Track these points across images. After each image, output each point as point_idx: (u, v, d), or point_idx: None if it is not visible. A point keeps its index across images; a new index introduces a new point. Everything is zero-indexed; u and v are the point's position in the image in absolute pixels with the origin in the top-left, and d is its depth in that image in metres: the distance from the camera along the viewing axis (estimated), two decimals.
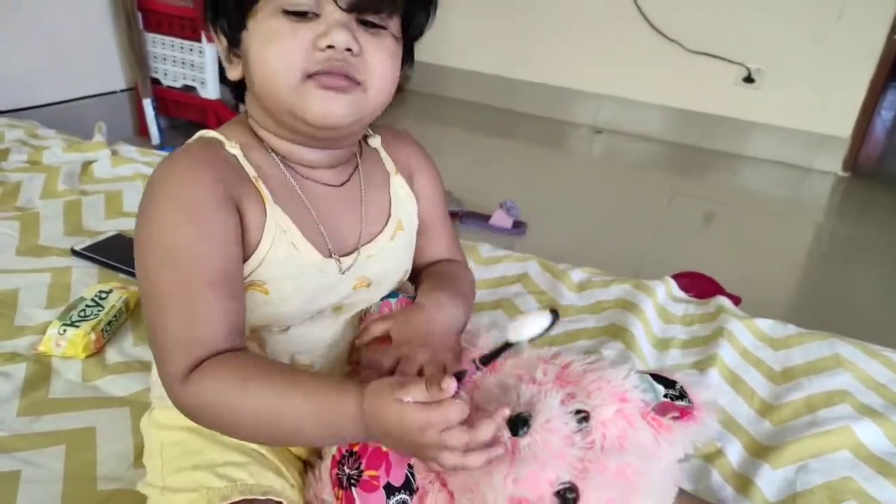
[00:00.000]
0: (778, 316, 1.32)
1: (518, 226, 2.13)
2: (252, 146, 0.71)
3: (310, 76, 0.63)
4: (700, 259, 1.86)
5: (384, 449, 0.66)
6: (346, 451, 0.67)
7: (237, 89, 0.73)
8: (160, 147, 2.44)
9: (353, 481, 0.65)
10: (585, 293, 1.36)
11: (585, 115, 3.36)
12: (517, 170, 2.77)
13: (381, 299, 0.80)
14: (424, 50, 0.76)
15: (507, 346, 0.58)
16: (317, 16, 0.63)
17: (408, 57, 0.73)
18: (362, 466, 0.65)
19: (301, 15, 0.63)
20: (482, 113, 3.34)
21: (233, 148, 0.69)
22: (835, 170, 3.02)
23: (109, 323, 1.09)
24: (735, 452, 0.98)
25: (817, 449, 0.98)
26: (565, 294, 1.35)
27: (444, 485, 0.65)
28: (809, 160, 3.04)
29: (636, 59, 3.16)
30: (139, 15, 2.47)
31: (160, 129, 2.60)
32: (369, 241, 0.76)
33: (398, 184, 0.81)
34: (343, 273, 0.73)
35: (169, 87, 2.58)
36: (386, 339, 0.75)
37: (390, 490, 0.64)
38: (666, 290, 1.38)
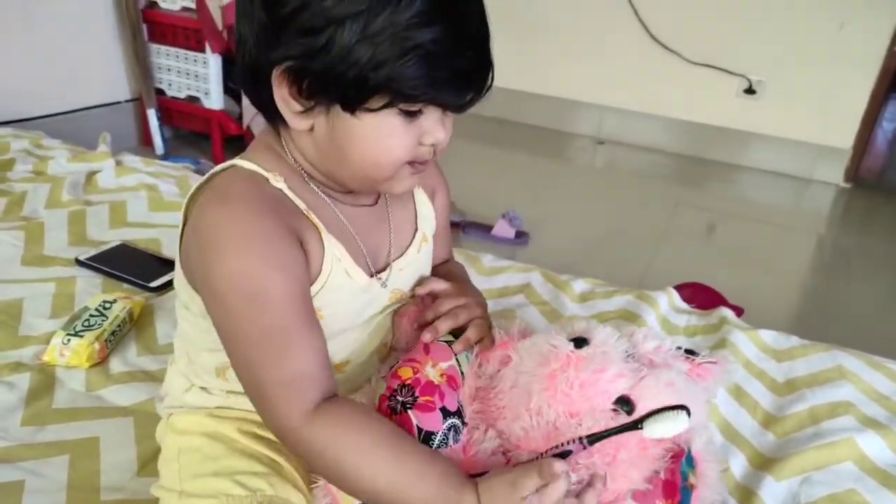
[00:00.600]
0: (780, 327, 1.32)
1: (520, 236, 2.13)
2: (290, 177, 0.70)
3: (408, 162, 0.67)
4: (702, 270, 1.86)
5: (436, 382, 0.69)
6: (398, 385, 0.70)
7: (275, 116, 0.68)
8: (164, 157, 2.46)
9: (408, 406, 0.67)
10: (588, 304, 1.36)
11: (587, 127, 3.37)
12: (519, 180, 2.78)
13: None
14: None
15: (622, 430, 0.61)
16: (420, 112, 0.64)
17: None
18: (417, 394, 0.68)
19: (413, 114, 0.64)
20: (484, 123, 3.35)
21: (277, 181, 0.68)
22: (836, 181, 3.02)
23: (113, 333, 1.09)
24: (738, 465, 0.98)
25: (821, 461, 0.97)
26: (568, 305, 1.35)
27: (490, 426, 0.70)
28: (811, 171, 3.04)
29: (638, 70, 3.17)
30: (144, 26, 2.49)
31: (164, 140, 2.61)
32: (400, 256, 0.79)
33: (420, 199, 0.84)
34: (384, 288, 0.76)
35: (173, 97, 2.59)
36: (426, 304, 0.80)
37: (446, 413, 0.67)
38: (668, 301, 1.38)
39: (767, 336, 1.28)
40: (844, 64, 2.83)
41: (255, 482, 0.70)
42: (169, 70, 2.55)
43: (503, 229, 2.12)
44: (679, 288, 1.46)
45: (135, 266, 1.31)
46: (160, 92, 2.60)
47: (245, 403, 0.69)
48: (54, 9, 2.23)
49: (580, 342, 0.67)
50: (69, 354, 1.04)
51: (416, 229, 0.82)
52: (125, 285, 1.27)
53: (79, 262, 1.31)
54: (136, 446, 0.91)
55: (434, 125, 0.65)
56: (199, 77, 2.49)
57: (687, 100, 3.14)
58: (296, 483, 0.73)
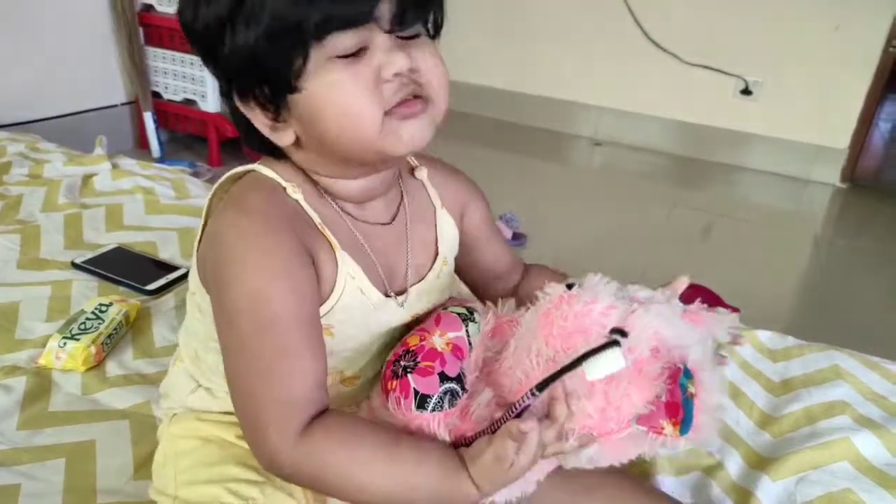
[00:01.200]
0: (777, 327, 1.32)
1: (518, 238, 2.13)
2: (307, 188, 0.69)
3: (387, 113, 0.61)
4: (699, 270, 1.84)
5: (439, 349, 0.70)
6: (404, 351, 0.70)
7: (275, 149, 0.68)
8: (161, 160, 2.46)
9: (408, 370, 0.68)
10: None
11: (585, 128, 3.37)
12: (517, 182, 2.78)
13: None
14: None
15: (564, 371, 0.60)
16: (365, 50, 0.60)
17: None
18: (419, 359, 0.69)
19: (352, 56, 0.60)
20: (481, 125, 3.35)
21: (295, 192, 0.67)
22: (833, 181, 3.03)
23: (109, 336, 1.09)
24: (734, 465, 0.98)
25: (817, 461, 0.97)
26: None
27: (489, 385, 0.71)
28: (808, 171, 3.05)
29: (635, 71, 3.18)
30: (140, 29, 2.49)
31: (161, 143, 2.61)
32: (419, 281, 0.76)
33: (443, 218, 0.80)
34: (401, 308, 0.74)
35: (169, 100, 2.59)
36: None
37: (444, 377, 0.67)
38: None
39: (764, 336, 1.28)
40: (840, 64, 2.84)
41: (248, 490, 0.69)
42: (165, 73, 2.55)
43: (500, 231, 2.12)
44: None
45: (131, 269, 1.31)
46: (156, 95, 2.60)
47: None
48: (50, 13, 2.23)
49: (572, 287, 0.69)
50: (65, 358, 1.04)
51: (437, 253, 0.79)
52: (121, 288, 1.26)
53: (75, 266, 1.31)
54: (132, 449, 0.91)
55: (384, 55, 0.60)
56: (195, 80, 2.49)
57: (684, 101, 3.15)
58: (290, 493, 0.72)
